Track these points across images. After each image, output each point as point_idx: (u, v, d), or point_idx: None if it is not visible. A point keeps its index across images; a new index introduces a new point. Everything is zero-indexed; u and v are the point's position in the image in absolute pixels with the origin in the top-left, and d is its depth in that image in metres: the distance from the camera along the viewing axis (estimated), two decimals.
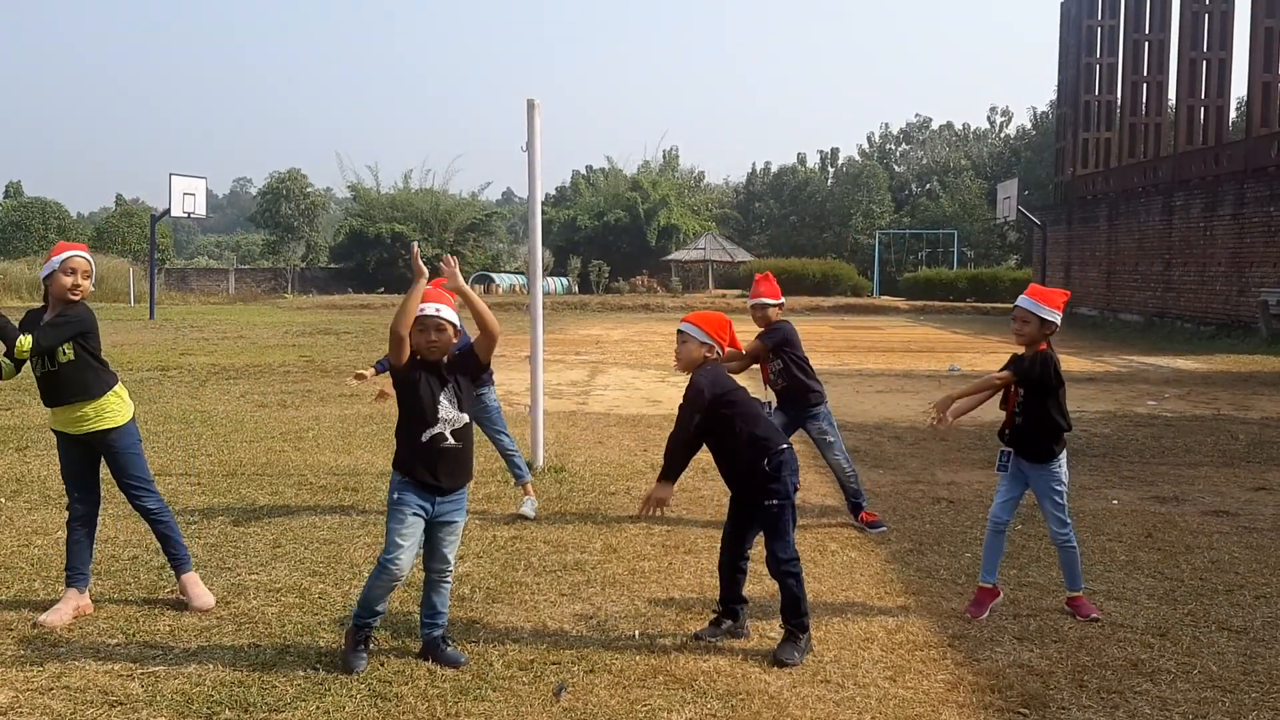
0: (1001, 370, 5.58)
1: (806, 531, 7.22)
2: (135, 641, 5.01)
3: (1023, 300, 5.54)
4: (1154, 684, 4.66)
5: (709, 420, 5.08)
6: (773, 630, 5.17)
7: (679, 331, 5.26)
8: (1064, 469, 5.57)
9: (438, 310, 4.75)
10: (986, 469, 9.39)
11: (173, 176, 32.45)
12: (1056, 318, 5.46)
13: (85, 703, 4.32)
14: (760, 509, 5.10)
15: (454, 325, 4.81)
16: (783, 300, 7.56)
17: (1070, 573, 5.61)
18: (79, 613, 5.33)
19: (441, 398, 4.76)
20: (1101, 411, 13.26)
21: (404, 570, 4.68)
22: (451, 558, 4.87)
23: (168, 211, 33.07)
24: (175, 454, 9.67)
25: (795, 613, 4.99)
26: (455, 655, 4.76)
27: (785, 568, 5.01)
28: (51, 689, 4.45)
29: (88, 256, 5.39)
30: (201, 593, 5.53)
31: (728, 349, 5.31)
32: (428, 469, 4.71)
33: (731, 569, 5.22)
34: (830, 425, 7.54)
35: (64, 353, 5.25)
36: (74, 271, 5.27)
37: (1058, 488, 5.54)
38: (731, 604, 5.21)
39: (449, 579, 4.90)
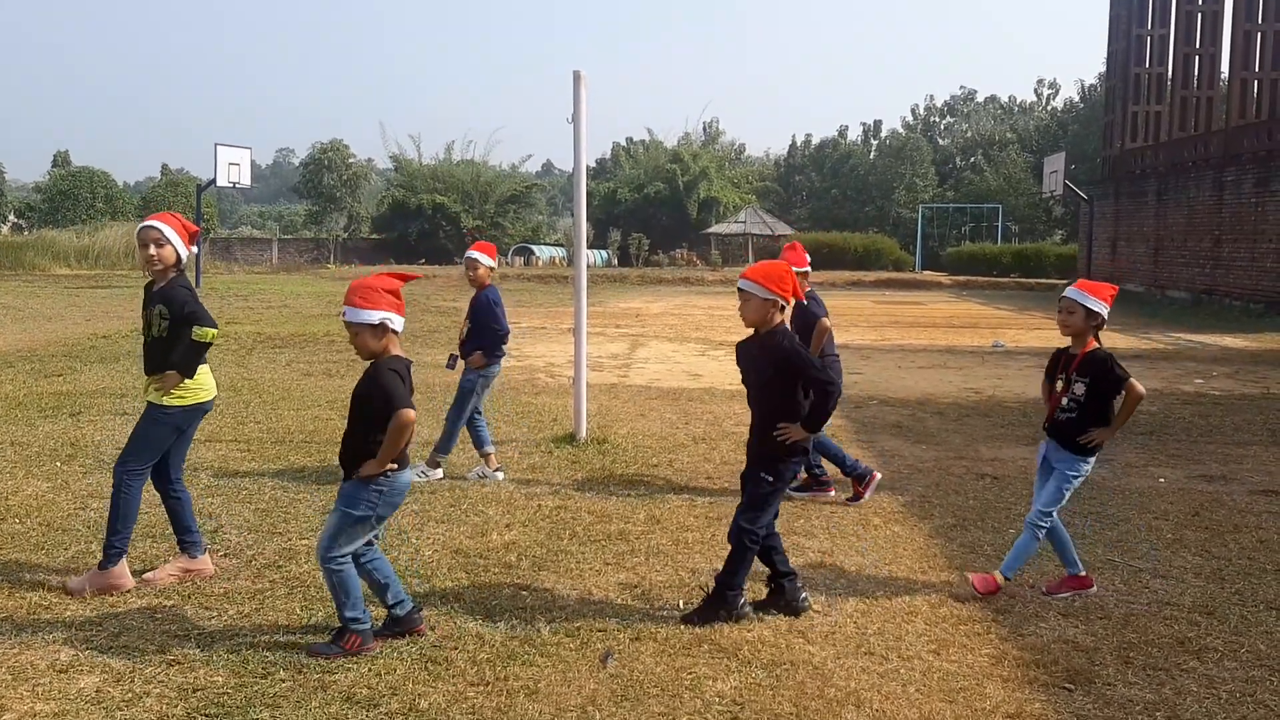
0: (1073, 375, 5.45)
1: (850, 508, 7.24)
2: (191, 603, 5.13)
3: (1070, 291, 5.45)
4: (1200, 662, 4.65)
5: (778, 376, 5.07)
6: (817, 604, 5.22)
7: (739, 290, 5.17)
8: (1090, 467, 5.50)
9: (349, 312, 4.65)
10: (1030, 445, 9.34)
11: (218, 147, 32.66)
12: (1099, 307, 5.39)
13: (144, 661, 4.43)
14: (753, 479, 5.12)
15: (359, 325, 4.62)
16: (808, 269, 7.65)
17: (1014, 555, 5.44)
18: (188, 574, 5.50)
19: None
20: (1148, 389, 13.08)
21: None
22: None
23: (213, 181, 33.30)
24: (225, 421, 9.82)
25: (727, 575, 5.03)
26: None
27: (745, 538, 5.04)
28: (110, 648, 4.57)
29: (157, 225, 5.36)
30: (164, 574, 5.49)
31: (791, 298, 5.19)
32: None
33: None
34: None
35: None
36: (144, 244, 5.34)
37: (1075, 479, 5.43)
38: (776, 578, 5.23)
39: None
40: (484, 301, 7.83)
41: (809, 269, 7.61)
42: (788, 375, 5.04)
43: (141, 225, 5.37)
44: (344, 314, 4.62)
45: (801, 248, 7.63)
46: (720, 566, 5.16)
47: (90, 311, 22.46)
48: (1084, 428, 5.36)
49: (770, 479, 5.08)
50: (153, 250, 5.30)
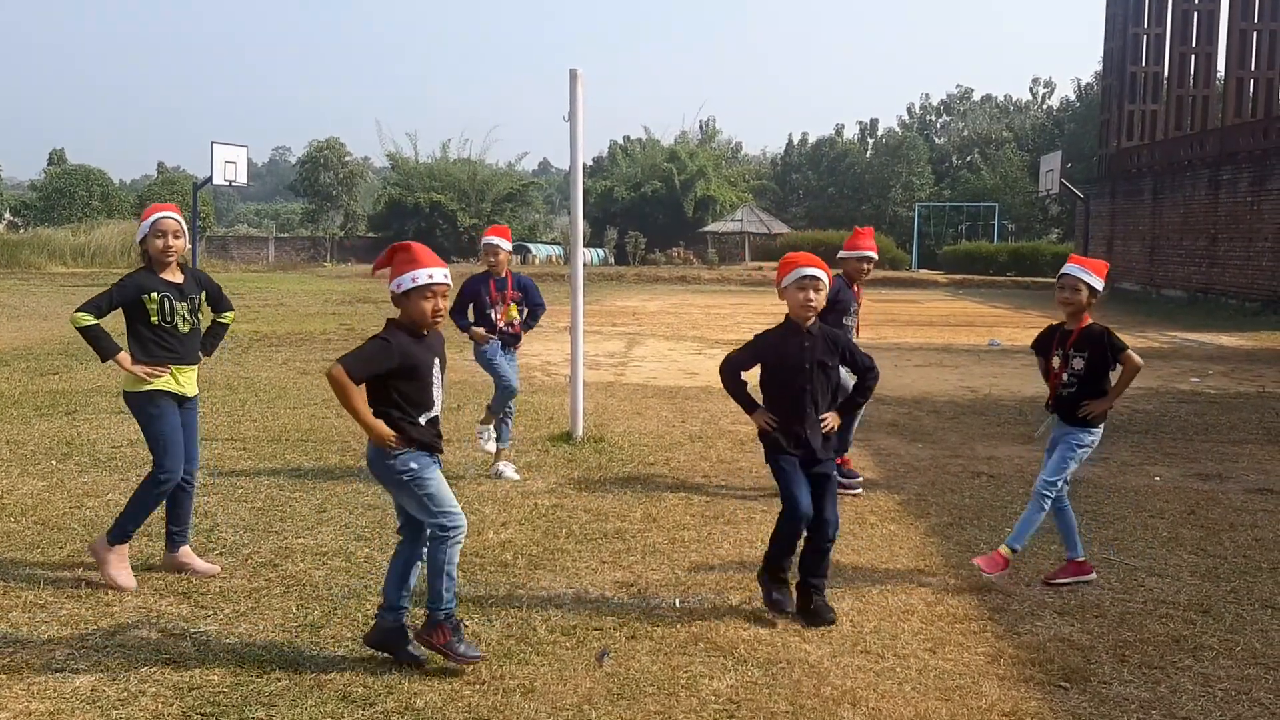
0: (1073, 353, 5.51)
1: (845, 504, 7.23)
2: (187, 602, 5.12)
3: (1071, 268, 5.53)
4: (1196, 660, 4.65)
5: (824, 368, 5.14)
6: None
7: (814, 278, 5.05)
8: (1097, 438, 5.56)
9: (446, 276, 4.42)
10: (1027, 443, 9.35)
11: (214, 145, 32.60)
12: (1100, 285, 5.49)
13: (139, 661, 4.42)
14: (825, 473, 5.11)
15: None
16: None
17: (1020, 526, 5.56)
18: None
19: (435, 378, 4.54)
20: (1144, 388, 13.12)
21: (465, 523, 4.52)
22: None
23: (209, 179, 33.23)
24: (221, 419, 9.81)
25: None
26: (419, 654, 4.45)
27: (835, 534, 5.09)
28: (105, 647, 4.56)
29: (176, 216, 5.43)
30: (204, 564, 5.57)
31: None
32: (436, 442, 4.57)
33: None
34: None
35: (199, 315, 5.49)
36: (163, 234, 5.36)
37: (1080, 449, 5.50)
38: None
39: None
40: (530, 281, 8.20)
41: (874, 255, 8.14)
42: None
43: (161, 215, 5.38)
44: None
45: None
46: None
47: None
48: (1084, 401, 5.45)
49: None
50: (172, 240, 5.37)
